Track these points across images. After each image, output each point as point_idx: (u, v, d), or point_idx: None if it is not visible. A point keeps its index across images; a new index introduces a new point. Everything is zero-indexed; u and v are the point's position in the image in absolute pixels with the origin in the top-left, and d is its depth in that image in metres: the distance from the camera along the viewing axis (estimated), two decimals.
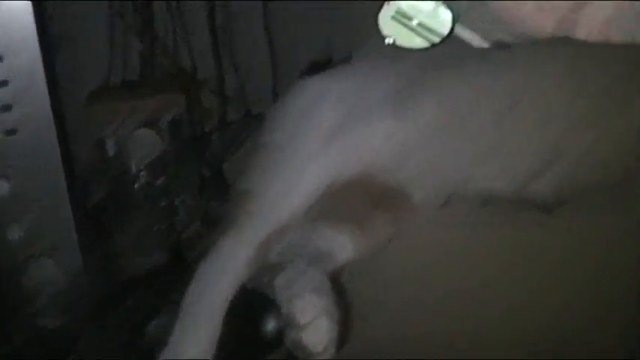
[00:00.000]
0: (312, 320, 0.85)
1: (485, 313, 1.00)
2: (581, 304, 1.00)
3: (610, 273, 0.99)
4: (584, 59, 1.03)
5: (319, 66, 1.25)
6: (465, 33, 1.27)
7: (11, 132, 1.16)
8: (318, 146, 0.99)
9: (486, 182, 0.98)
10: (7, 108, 1.16)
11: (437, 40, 1.29)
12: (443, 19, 1.30)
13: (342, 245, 0.97)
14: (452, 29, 1.29)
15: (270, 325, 0.88)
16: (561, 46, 1.07)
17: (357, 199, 0.98)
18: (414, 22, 1.30)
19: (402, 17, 1.31)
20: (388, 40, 1.30)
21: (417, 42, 1.31)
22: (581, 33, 1.23)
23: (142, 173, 1.32)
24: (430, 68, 1.11)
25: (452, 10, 1.28)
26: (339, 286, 0.96)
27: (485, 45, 1.26)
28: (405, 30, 1.31)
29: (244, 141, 1.31)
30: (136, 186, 1.32)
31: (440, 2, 1.28)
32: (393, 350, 1.02)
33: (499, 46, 1.22)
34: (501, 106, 0.97)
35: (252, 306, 0.89)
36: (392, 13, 1.32)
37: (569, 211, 0.95)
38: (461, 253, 0.98)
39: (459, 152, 0.97)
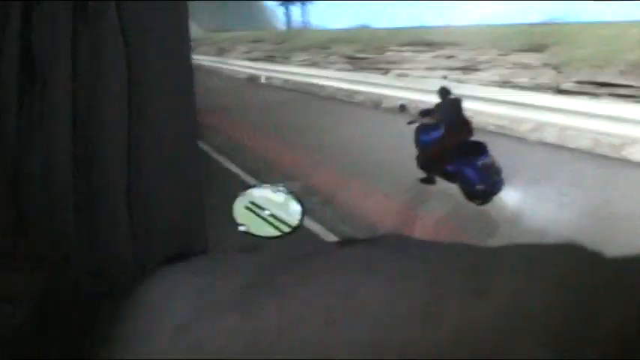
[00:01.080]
0: None
1: None
2: None
3: None
4: (414, 261, 1.14)
5: (178, 257, 1.29)
6: (313, 225, 1.38)
7: None
8: (167, 344, 1.04)
9: None
10: None
11: (287, 230, 1.40)
12: (293, 211, 1.41)
13: None
14: (301, 221, 1.41)
15: None
16: (396, 245, 1.18)
17: None
18: (266, 213, 1.41)
19: (255, 207, 1.41)
20: (241, 228, 1.39)
21: (269, 231, 1.41)
22: (418, 229, 1.38)
23: None
24: (278, 266, 1.18)
25: (301, 203, 1.40)
26: None
27: (332, 237, 1.38)
28: (257, 219, 1.41)
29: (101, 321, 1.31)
30: None
31: (290, 196, 1.40)
32: None
33: (343, 240, 1.34)
34: (334, 309, 1.05)
35: None
36: (246, 203, 1.42)
37: None
38: None
39: (295, 354, 1.03)
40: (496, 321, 1.02)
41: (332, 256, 1.17)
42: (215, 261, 1.28)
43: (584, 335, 1.02)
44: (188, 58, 1.30)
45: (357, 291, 1.06)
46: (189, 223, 1.36)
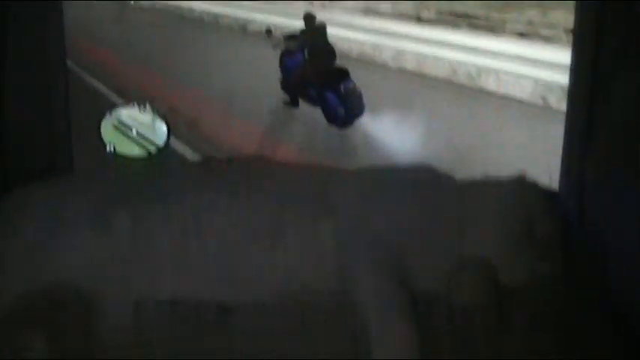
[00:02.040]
0: None
1: None
2: None
3: None
4: (269, 181, 1.22)
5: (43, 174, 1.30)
6: (179, 146, 1.43)
7: None
8: (20, 261, 1.08)
9: (172, 289, 1.08)
10: None
11: (154, 150, 1.43)
12: (159, 131, 1.44)
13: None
14: (167, 141, 1.45)
15: None
16: (255, 166, 1.25)
17: (53, 306, 1.06)
18: (133, 132, 1.44)
19: (122, 126, 1.44)
20: (109, 148, 1.42)
21: (136, 151, 1.44)
22: (282, 152, 1.46)
23: None
24: (137, 184, 1.23)
25: (167, 124, 1.43)
26: None
27: (197, 157, 1.43)
28: (125, 139, 1.44)
29: None
30: None
31: (156, 116, 1.43)
32: None
33: (205, 159, 1.40)
34: (189, 224, 1.12)
35: None
36: (113, 121, 1.44)
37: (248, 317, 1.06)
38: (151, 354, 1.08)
39: (149, 263, 1.09)
40: (339, 237, 1.13)
41: (191, 175, 1.23)
42: (73, 180, 1.30)
43: (423, 258, 1.15)
44: None
45: (212, 208, 1.13)
46: (55, 141, 1.36)
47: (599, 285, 1.18)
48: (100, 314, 1.06)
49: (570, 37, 1.38)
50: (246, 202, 1.15)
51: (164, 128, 1.44)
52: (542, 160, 1.29)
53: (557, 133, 1.36)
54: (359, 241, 1.12)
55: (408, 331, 0.97)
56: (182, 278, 1.09)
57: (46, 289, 1.06)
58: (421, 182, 1.23)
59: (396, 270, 1.06)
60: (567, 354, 1.02)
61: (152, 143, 1.44)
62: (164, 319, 1.06)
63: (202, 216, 1.12)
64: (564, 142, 1.36)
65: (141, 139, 1.44)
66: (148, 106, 1.44)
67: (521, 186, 1.20)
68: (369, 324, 0.98)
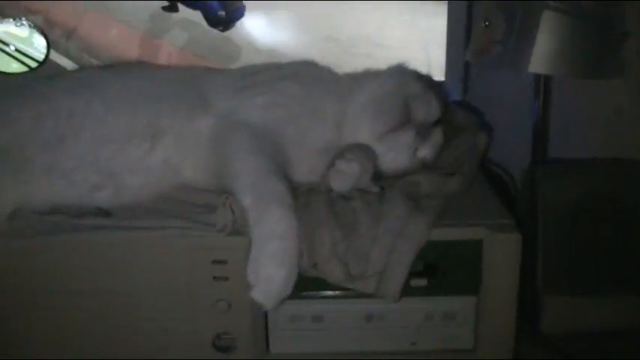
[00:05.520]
0: None
1: None
2: None
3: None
4: (147, 82, 1.21)
5: None
6: (59, 58, 1.41)
7: None
8: None
9: (49, 197, 1.08)
10: None
11: (34, 64, 1.40)
12: (38, 45, 1.41)
13: None
14: (47, 54, 1.42)
15: None
16: (135, 71, 1.25)
17: None
18: (11, 48, 1.41)
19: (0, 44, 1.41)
20: None
21: (15, 67, 1.41)
22: (164, 57, 1.48)
23: None
24: (16, 89, 1.20)
25: (46, 36, 1.41)
26: None
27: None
28: (3, 56, 1.40)
29: None
30: None
31: (34, 29, 1.40)
32: None
33: (86, 67, 1.39)
34: (63, 128, 1.10)
35: None
36: None
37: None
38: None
39: (22, 171, 1.07)
40: (216, 130, 1.15)
41: (66, 82, 1.21)
42: None
43: (303, 149, 1.15)
44: None
45: (88, 113, 1.13)
46: None
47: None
48: None
49: None
50: (123, 106, 1.14)
51: (43, 41, 1.42)
52: (425, 50, 1.38)
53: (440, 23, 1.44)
54: (236, 132, 1.13)
55: (285, 217, 0.98)
56: (59, 185, 1.09)
57: None
58: (302, 76, 1.25)
59: (275, 159, 1.08)
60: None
61: (31, 58, 1.42)
62: (41, 226, 1.06)
63: (78, 121, 1.11)
64: (447, 32, 1.42)
65: (19, 55, 1.41)
66: (24, 20, 1.41)
67: (400, 74, 1.24)
68: (247, 213, 0.99)
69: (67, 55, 1.45)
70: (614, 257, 1.37)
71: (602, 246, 1.37)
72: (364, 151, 1.14)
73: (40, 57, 1.42)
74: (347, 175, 1.09)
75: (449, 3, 1.42)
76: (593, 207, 1.37)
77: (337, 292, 1.08)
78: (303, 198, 1.08)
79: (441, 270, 1.08)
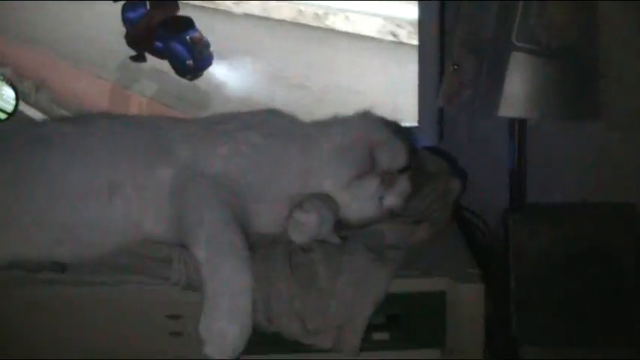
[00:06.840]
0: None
1: None
2: None
3: None
4: (107, 134, 1.20)
5: None
6: (28, 110, 1.42)
7: None
8: None
9: (10, 249, 1.07)
10: None
11: (3, 116, 1.41)
12: (7, 97, 1.41)
13: None
14: (16, 106, 1.42)
15: None
16: (97, 121, 1.23)
17: None
18: None
19: None
20: None
21: None
22: (133, 107, 1.47)
23: None
24: None
25: (15, 88, 1.41)
26: None
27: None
28: None
29: None
30: None
31: (3, 81, 1.40)
32: None
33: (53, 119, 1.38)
34: (28, 181, 1.09)
35: None
36: None
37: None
38: None
39: None
40: (177, 180, 1.14)
41: (28, 133, 1.20)
42: None
43: (265, 200, 1.17)
44: None
45: (46, 167, 1.12)
46: None
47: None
48: None
49: None
50: (80, 160, 1.13)
51: (11, 93, 1.42)
52: (395, 95, 1.36)
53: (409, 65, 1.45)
54: (196, 183, 1.11)
55: (239, 271, 0.97)
56: (17, 240, 1.09)
57: None
58: (265, 125, 1.24)
59: (234, 211, 1.06)
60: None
61: (1, 110, 1.42)
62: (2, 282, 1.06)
63: (34, 177, 1.10)
64: (419, 77, 1.40)
65: None
66: None
67: (366, 120, 1.23)
68: (201, 267, 0.98)
69: (37, 107, 1.45)
70: (590, 307, 1.33)
71: (577, 295, 1.32)
72: (324, 201, 1.12)
73: (9, 109, 1.42)
74: (305, 227, 1.07)
75: (419, 48, 1.41)
76: (568, 255, 1.33)
77: (297, 347, 1.03)
78: (264, 250, 1.05)
79: (404, 322, 1.04)
